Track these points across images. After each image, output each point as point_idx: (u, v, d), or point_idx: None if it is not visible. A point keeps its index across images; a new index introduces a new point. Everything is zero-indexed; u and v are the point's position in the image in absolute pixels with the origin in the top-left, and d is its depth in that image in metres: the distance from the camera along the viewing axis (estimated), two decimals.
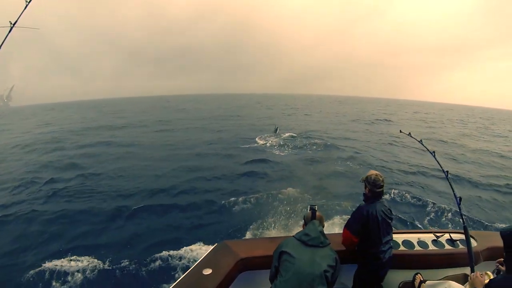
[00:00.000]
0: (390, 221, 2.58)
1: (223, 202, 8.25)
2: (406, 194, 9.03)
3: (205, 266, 2.50)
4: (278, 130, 22.01)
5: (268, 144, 16.83)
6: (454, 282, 2.29)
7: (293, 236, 2.19)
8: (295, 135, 19.63)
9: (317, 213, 2.25)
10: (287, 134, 19.81)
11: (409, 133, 3.58)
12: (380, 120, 33.46)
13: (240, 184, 9.99)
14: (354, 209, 2.63)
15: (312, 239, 2.07)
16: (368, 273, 2.58)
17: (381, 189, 2.50)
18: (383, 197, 2.60)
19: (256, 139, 18.48)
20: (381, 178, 2.49)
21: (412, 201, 8.71)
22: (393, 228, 2.76)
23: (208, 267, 2.48)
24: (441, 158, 3.01)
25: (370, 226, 2.45)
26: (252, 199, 8.40)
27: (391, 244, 2.62)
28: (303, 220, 2.34)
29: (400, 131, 3.81)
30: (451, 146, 18.57)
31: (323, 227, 2.23)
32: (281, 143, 17.34)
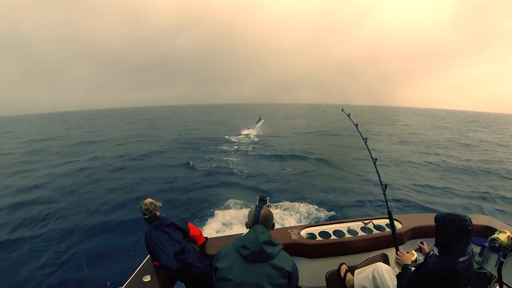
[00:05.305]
0: (170, 234, 2.62)
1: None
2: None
3: (144, 273, 2.51)
4: (259, 122, 23.27)
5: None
6: (381, 263, 2.38)
7: (231, 243, 1.67)
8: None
9: (263, 211, 1.71)
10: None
11: (348, 114, 3.66)
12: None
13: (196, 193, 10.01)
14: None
15: (252, 254, 1.55)
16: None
17: (145, 216, 2.66)
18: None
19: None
20: (144, 207, 2.65)
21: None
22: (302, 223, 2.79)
23: (147, 274, 2.50)
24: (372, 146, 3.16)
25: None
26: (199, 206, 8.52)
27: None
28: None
29: (342, 110, 3.92)
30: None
31: (271, 228, 1.75)
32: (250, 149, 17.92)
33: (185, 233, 2.74)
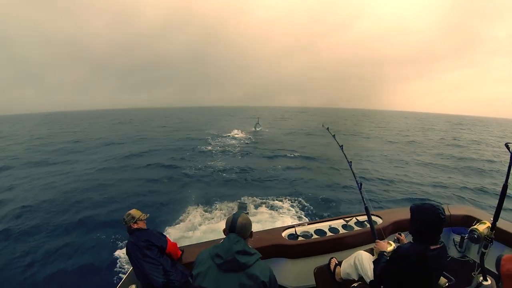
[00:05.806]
0: (144, 251, 2.58)
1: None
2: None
3: (131, 282, 2.53)
4: (258, 125, 24.86)
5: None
6: (362, 251, 2.47)
7: (208, 250, 1.64)
8: None
9: (240, 219, 1.64)
10: None
11: (327, 128, 3.87)
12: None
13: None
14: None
15: (225, 263, 1.52)
16: None
17: (125, 225, 2.71)
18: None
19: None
20: (123, 217, 2.72)
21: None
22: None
23: (133, 283, 2.52)
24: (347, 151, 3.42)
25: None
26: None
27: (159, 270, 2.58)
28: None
29: (322, 126, 4.10)
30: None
31: (250, 236, 1.69)
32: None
33: (162, 249, 2.69)
